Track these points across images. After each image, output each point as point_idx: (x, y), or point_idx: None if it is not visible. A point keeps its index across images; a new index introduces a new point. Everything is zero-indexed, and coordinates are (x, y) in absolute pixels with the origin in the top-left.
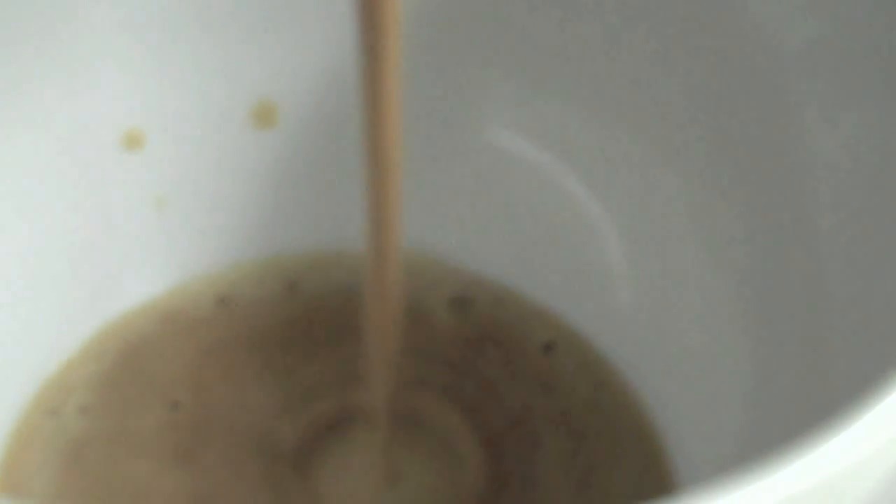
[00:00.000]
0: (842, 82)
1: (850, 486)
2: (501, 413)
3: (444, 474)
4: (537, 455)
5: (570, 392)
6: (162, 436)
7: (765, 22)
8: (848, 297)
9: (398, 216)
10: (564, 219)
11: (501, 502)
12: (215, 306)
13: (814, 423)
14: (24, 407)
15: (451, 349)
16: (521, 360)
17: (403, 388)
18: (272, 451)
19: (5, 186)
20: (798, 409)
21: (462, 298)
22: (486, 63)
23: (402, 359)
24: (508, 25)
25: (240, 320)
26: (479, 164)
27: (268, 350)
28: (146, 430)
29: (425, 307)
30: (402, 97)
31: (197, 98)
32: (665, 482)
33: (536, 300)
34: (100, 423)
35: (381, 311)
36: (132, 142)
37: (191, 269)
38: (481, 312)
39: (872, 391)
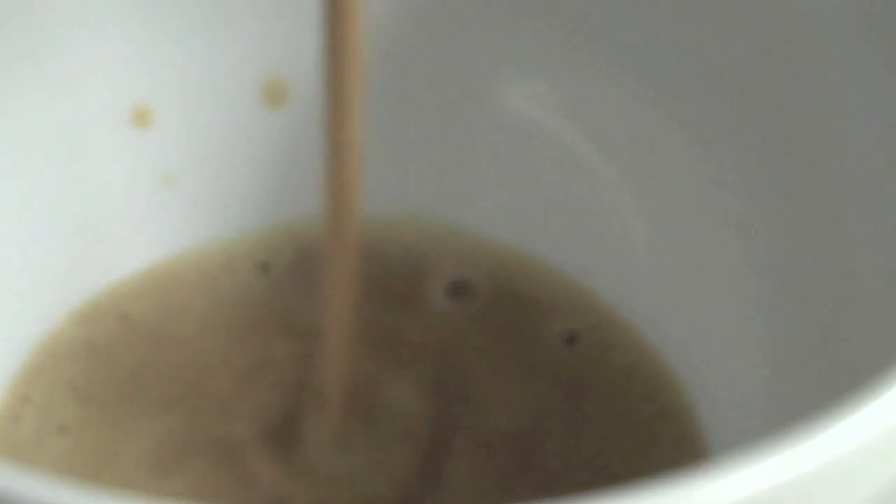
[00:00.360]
0: (872, 54)
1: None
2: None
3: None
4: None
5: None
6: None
7: None
8: (874, 275)
9: (357, 192)
10: (584, 191)
11: None
12: (224, 278)
13: (842, 396)
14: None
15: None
16: (539, 351)
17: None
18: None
19: (12, 162)
20: (828, 385)
21: (463, 279)
22: (504, 30)
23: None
24: None
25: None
26: (495, 134)
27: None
28: (120, 400)
29: (424, 285)
30: (365, 71)
31: (207, 75)
32: (697, 452)
33: (556, 271)
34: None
35: (338, 287)
36: (141, 119)
37: (199, 245)
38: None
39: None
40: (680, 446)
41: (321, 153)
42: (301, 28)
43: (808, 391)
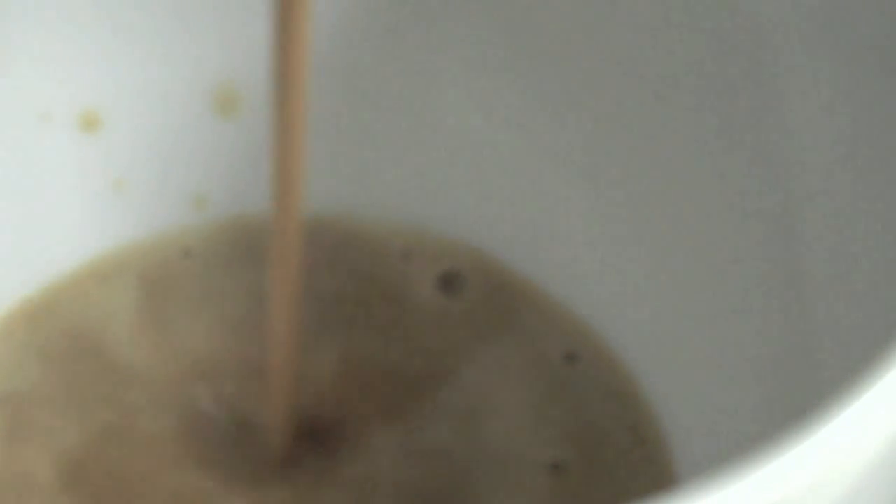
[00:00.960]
0: (826, 60)
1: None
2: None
3: None
4: None
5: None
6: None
7: None
8: (832, 285)
9: (300, 183)
10: (554, 203)
11: None
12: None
13: (808, 415)
14: None
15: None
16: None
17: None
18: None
19: None
20: (799, 404)
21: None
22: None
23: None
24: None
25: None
26: (456, 139)
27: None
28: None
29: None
30: (311, 65)
31: (157, 83)
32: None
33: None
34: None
35: (281, 288)
36: (88, 124)
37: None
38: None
39: (858, 381)
40: (650, 471)
41: (272, 158)
42: (254, 37)
43: (778, 418)
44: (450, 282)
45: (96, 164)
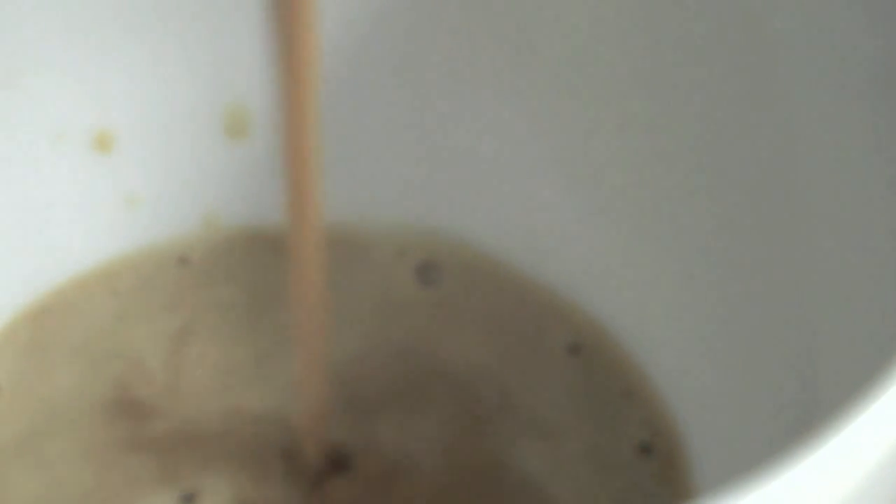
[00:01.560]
0: (830, 63)
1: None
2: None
3: None
4: None
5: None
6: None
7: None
8: (837, 295)
9: (317, 195)
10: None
11: None
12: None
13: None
14: None
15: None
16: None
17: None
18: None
19: None
20: (803, 392)
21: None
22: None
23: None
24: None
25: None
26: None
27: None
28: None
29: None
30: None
31: (170, 104)
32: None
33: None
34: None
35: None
36: (102, 144)
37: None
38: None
39: (861, 395)
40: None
41: (286, 173)
42: (267, 59)
43: (789, 424)
44: (434, 273)
45: (108, 182)
